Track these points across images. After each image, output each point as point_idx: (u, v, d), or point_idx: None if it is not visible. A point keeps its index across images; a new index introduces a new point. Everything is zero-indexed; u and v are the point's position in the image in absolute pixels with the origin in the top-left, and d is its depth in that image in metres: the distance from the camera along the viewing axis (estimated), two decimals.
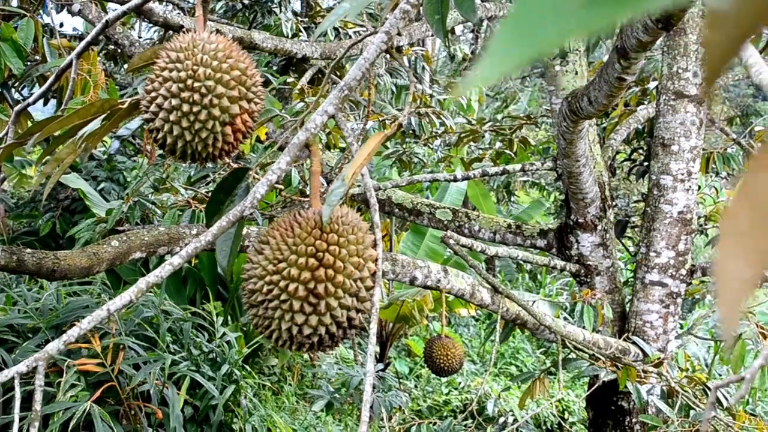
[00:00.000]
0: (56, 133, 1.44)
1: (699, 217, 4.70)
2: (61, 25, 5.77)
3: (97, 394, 3.67)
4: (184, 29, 3.86)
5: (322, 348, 1.21)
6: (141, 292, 1.08)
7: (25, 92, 4.86)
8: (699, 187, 3.88)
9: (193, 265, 6.24)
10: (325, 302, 1.16)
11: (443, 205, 4.28)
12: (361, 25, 5.97)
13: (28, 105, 1.69)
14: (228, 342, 4.87)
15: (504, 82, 15.51)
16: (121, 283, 5.89)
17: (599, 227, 3.90)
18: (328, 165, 4.31)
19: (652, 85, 4.99)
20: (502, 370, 8.97)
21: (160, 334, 4.42)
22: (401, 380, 7.92)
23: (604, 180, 3.96)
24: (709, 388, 3.26)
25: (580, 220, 3.89)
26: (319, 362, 7.51)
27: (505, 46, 0.32)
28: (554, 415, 7.01)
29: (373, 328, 1.16)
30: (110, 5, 4.33)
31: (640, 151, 5.42)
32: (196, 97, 1.25)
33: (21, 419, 3.30)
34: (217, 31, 3.07)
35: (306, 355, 7.32)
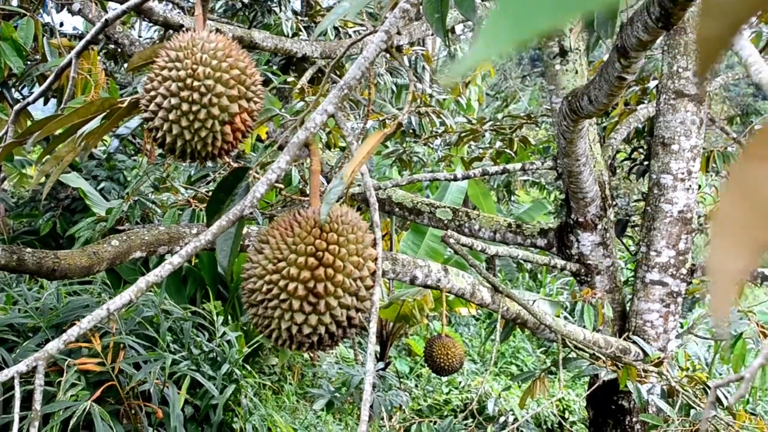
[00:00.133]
0: (56, 132, 1.44)
1: (699, 216, 4.70)
2: (61, 24, 5.77)
3: (98, 393, 3.67)
4: (183, 28, 3.86)
5: (322, 347, 1.21)
6: (141, 292, 1.08)
7: (25, 91, 4.86)
8: (699, 187, 3.88)
9: (193, 264, 6.24)
10: (325, 301, 1.16)
11: (443, 204, 4.28)
12: (361, 25, 5.97)
13: (28, 104, 1.69)
14: (228, 341, 4.87)
15: (504, 81, 15.50)
16: (121, 283, 5.89)
17: (599, 226, 3.90)
18: (328, 164, 4.31)
19: (652, 84, 4.99)
20: (503, 369, 8.97)
21: (161, 333, 4.42)
22: (401, 379, 7.92)
23: (604, 179, 3.95)
24: (710, 387, 3.26)
25: (580, 220, 3.89)
26: (319, 361, 7.51)
27: (496, 30, 0.32)
28: (555, 415, 7.01)
29: (373, 328, 1.16)
30: (110, 4, 4.33)
31: (641, 150, 5.42)
32: (196, 96, 1.25)
33: (21, 418, 3.30)
34: (217, 30, 3.07)
35: (306, 355, 7.33)
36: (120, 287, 5.76)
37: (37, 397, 1.04)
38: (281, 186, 3.52)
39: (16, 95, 4.56)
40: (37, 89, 1.89)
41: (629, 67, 2.54)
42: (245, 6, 6.87)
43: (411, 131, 5.66)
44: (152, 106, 1.28)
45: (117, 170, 7.64)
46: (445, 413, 7.42)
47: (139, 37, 7.61)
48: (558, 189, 10.25)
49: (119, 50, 5.66)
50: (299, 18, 6.52)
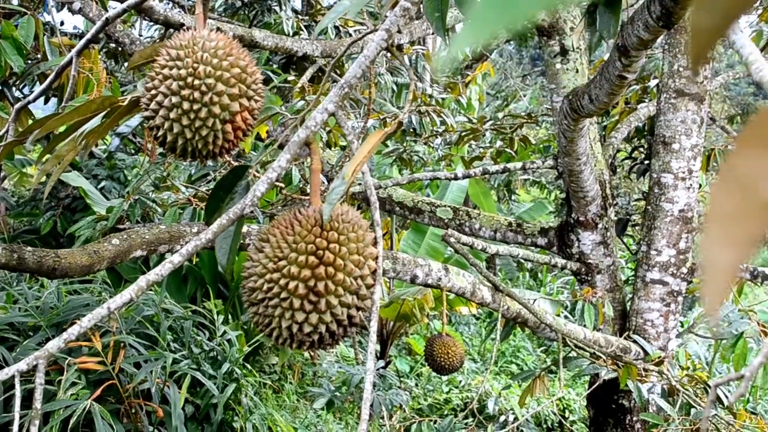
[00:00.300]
0: (56, 131, 1.44)
1: (700, 216, 4.70)
2: (62, 23, 5.77)
3: (98, 392, 3.67)
4: (184, 27, 3.85)
5: (322, 346, 1.21)
6: (141, 291, 1.08)
7: (25, 90, 4.86)
8: (700, 186, 3.87)
9: (193, 263, 6.25)
10: (326, 300, 1.16)
11: (444, 203, 4.28)
12: (362, 23, 5.96)
13: (29, 103, 1.69)
14: (229, 340, 4.87)
15: (505, 80, 15.49)
16: (121, 282, 5.89)
17: (600, 225, 3.90)
18: (328, 163, 4.31)
19: (652, 83, 4.99)
20: (503, 368, 8.97)
21: (161, 332, 4.42)
22: (402, 378, 7.93)
23: (604, 178, 3.95)
24: (710, 386, 3.26)
25: (581, 219, 3.89)
26: (319, 360, 7.52)
27: (483, 16, 0.33)
28: (555, 414, 7.01)
29: (374, 326, 1.16)
30: (111, 3, 4.33)
31: (641, 149, 5.42)
32: (197, 94, 1.25)
33: (21, 417, 3.31)
34: (218, 29, 3.07)
35: (306, 354, 7.33)
36: (120, 286, 5.76)
37: (38, 395, 1.04)
38: (282, 185, 3.52)
39: (17, 94, 4.57)
40: (38, 88, 1.89)
41: (630, 65, 2.54)
42: (245, 5, 6.87)
43: (411, 130, 5.66)
44: (153, 105, 1.27)
45: (117, 169, 7.64)
46: (446, 412, 7.42)
47: (140, 35, 7.61)
48: (558, 188, 10.25)
49: (120, 49, 5.66)
50: (300, 17, 6.52)
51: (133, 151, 8.55)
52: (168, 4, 5.52)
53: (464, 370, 8.23)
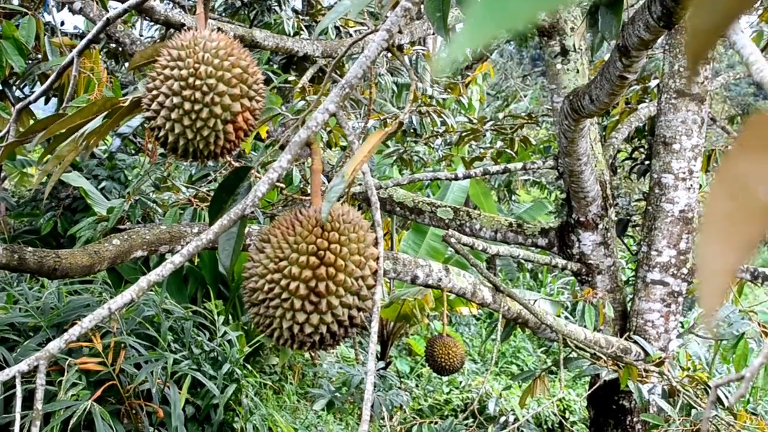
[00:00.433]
0: (57, 132, 1.44)
1: (700, 216, 4.69)
2: (62, 23, 5.77)
3: (98, 392, 3.66)
4: (185, 27, 3.85)
5: (323, 347, 1.21)
6: (142, 291, 1.08)
7: (26, 90, 4.87)
8: (700, 186, 3.87)
9: (194, 263, 6.25)
10: (327, 301, 1.16)
11: (444, 203, 4.28)
12: (362, 23, 5.96)
13: (30, 103, 1.69)
14: (229, 341, 4.87)
15: (505, 81, 15.49)
16: (122, 282, 5.89)
17: (600, 226, 3.90)
18: (329, 163, 4.31)
19: (653, 83, 4.99)
20: (503, 369, 8.97)
21: (162, 333, 4.42)
22: (402, 379, 7.93)
23: (605, 179, 3.95)
24: (710, 387, 3.26)
25: (581, 219, 3.89)
26: (320, 361, 7.52)
27: (483, 16, 0.33)
28: (555, 414, 7.01)
29: (375, 327, 1.16)
30: (111, 3, 4.33)
31: (642, 149, 5.42)
32: (198, 95, 1.25)
33: (22, 418, 3.31)
34: (219, 29, 3.07)
35: (307, 354, 7.33)
36: (121, 286, 5.76)
37: (39, 396, 1.04)
38: (282, 185, 3.52)
39: (18, 94, 4.57)
40: (39, 88, 1.89)
41: (630, 66, 2.54)
42: (245, 5, 6.87)
43: (412, 131, 5.66)
44: (154, 105, 1.27)
45: (118, 169, 7.64)
46: (446, 413, 7.42)
47: (141, 36, 7.61)
48: (559, 188, 10.25)
49: (120, 49, 5.66)
50: (300, 17, 6.52)
51: (133, 152, 8.55)
52: (169, 4, 5.52)
53: (465, 370, 8.23)
